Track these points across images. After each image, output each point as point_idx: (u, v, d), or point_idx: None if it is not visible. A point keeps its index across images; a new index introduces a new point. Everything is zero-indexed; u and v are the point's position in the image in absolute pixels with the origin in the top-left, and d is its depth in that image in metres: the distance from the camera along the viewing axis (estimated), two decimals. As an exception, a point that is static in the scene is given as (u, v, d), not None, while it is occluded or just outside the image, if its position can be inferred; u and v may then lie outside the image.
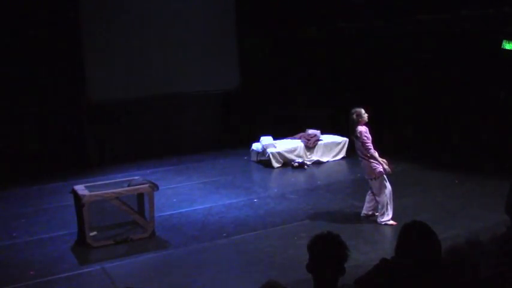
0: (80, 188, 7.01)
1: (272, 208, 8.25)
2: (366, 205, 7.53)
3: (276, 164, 10.94)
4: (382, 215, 7.23)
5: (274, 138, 11.49)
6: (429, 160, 10.52)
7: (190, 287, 5.75)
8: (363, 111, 7.15)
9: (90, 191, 6.88)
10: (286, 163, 11.01)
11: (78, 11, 11.13)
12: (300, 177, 10.40)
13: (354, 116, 7.12)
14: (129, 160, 11.33)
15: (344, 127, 11.79)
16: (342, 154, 11.53)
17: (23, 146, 10.78)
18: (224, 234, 7.17)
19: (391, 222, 7.18)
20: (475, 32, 9.96)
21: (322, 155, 11.34)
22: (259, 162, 11.26)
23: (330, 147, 11.50)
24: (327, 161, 11.33)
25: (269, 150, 11.01)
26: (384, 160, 7.22)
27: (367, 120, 7.17)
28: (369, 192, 7.45)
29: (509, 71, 9.85)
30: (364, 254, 5.91)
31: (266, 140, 11.35)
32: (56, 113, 11.06)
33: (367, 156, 7.09)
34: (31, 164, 10.70)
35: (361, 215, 7.55)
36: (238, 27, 12.90)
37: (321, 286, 2.85)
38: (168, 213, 8.14)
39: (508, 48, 9.55)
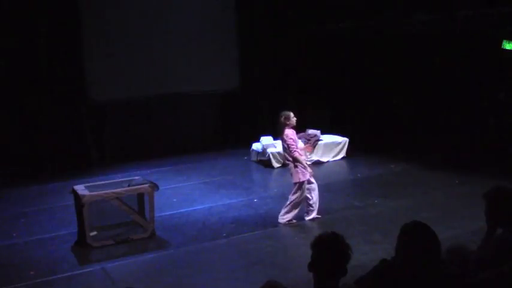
0: (80, 188, 7.01)
1: (272, 208, 8.23)
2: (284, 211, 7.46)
3: (276, 164, 10.93)
4: (308, 212, 7.43)
5: (274, 138, 11.48)
6: (429, 160, 10.52)
7: (191, 287, 5.75)
8: (291, 114, 7.30)
9: (90, 191, 6.88)
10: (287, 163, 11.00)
11: (78, 11, 11.14)
12: (300, 177, 10.38)
13: (282, 119, 7.28)
14: (129, 160, 11.33)
15: (344, 127, 11.83)
16: (342, 154, 11.53)
17: (23, 146, 10.79)
18: (224, 234, 7.17)
19: (317, 216, 7.47)
20: (475, 32, 9.96)
21: (322, 155, 11.33)
22: (259, 162, 11.26)
23: (330, 147, 11.49)
24: (327, 161, 11.33)
25: (269, 150, 11.00)
26: (308, 164, 7.48)
27: (294, 124, 7.33)
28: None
29: (509, 71, 9.85)
30: (364, 254, 5.90)
31: (266, 140, 11.35)
32: (56, 113, 11.06)
33: (292, 158, 7.21)
34: (31, 164, 10.71)
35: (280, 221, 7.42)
36: (239, 27, 12.91)
37: (322, 286, 2.85)
38: (168, 213, 8.14)
39: (508, 48, 9.56)
